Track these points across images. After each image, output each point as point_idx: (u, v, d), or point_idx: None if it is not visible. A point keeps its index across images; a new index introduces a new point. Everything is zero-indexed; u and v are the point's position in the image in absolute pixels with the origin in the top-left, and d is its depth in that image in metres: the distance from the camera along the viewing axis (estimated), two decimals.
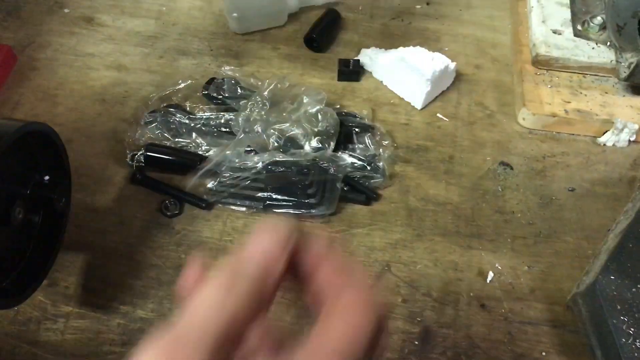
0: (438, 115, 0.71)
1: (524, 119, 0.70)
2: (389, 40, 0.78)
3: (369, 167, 0.63)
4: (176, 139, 0.65)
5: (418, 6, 0.83)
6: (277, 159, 0.61)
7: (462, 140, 0.69)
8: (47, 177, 0.52)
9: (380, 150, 0.65)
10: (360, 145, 0.65)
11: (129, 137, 0.65)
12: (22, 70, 0.73)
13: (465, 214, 0.63)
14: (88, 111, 0.70)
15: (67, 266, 0.58)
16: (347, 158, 0.63)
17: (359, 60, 0.74)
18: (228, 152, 0.62)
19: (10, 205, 0.47)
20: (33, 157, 0.51)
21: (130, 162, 0.64)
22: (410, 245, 0.61)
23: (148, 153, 0.63)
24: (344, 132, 0.66)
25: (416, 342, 0.54)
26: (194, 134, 0.65)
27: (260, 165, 0.61)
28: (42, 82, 0.72)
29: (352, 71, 0.73)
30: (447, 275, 0.59)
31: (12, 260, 0.50)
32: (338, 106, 0.70)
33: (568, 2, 0.74)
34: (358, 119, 0.68)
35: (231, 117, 0.66)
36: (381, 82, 0.74)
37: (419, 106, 0.71)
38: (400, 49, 0.72)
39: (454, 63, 0.70)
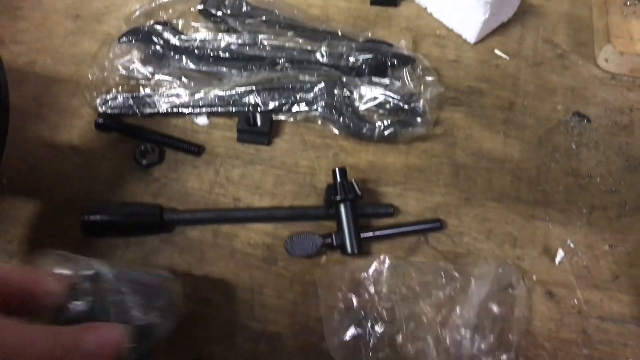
0: (496, 51, 0.56)
1: (606, 60, 0.54)
2: None
3: (406, 107, 0.49)
4: (155, 75, 0.51)
5: None
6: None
7: (526, 84, 0.54)
8: None
9: (422, 87, 0.50)
10: (396, 82, 0.51)
11: (95, 68, 0.51)
12: None
13: (528, 175, 0.49)
14: (57, 29, 0.57)
15: (12, 215, 0.45)
16: (378, 94, 0.49)
17: None
18: None
19: None
20: None
21: (101, 109, 0.50)
22: (456, 212, 0.47)
23: (87, 217, 0.42)
24: (376, 63, 0.51)
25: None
26: (184, 58, 0.51)
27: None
28: None
29: None
30: (503, 252, 0.45)
31: None
32: (369, 33, 0.55)
33: None
34: (394, 48, 0.53)
35: (233, 39, 0.52)
36: (424, 8, 0.59)
37: (472, 39, 0.56)
38: None
39: None
